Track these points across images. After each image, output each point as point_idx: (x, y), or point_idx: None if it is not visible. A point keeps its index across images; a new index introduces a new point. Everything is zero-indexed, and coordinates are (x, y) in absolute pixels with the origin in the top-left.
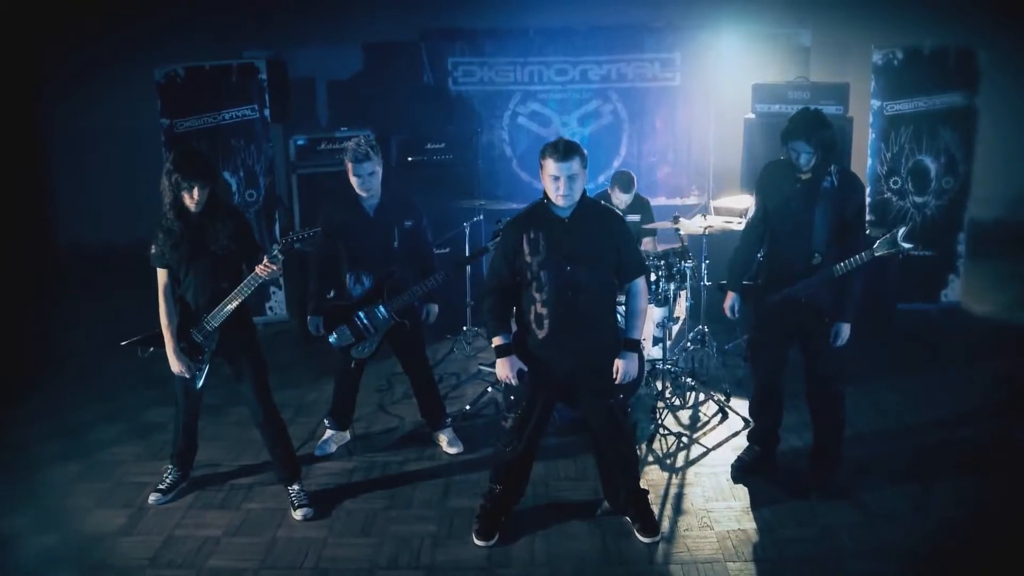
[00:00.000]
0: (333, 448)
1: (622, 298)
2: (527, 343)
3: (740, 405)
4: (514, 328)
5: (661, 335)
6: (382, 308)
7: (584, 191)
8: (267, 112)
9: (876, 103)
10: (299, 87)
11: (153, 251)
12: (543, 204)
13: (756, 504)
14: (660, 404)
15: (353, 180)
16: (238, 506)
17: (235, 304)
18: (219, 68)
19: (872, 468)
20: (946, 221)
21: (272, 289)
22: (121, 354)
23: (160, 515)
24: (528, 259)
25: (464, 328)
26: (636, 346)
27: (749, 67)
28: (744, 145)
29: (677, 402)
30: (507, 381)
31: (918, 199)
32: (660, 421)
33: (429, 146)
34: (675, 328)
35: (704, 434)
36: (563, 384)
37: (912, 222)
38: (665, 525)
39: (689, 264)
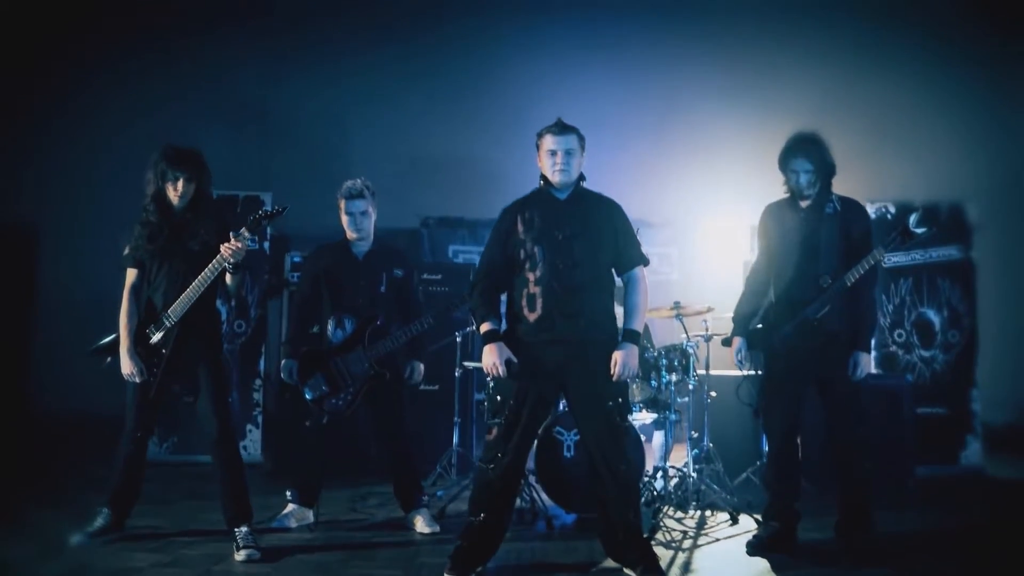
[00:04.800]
0: (292, 524)
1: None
2: (517, 332)
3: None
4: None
5: (663, 464)
6: (361, 354)
7: (582, 175)
8: (267, 245)
9: None
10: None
11: (126, 251)
12: (540, 188)
13: (779, 570)
14: (661, 510)
15: (344, 219)
16: (173, 552)
17: (198, 293)
18: (225, 198)
19: (911, 542)
20: (956, 376)
21: (249, 427)
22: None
23: (78, 551)
24: (522, 236)
25: (451, 447)
26: (636, 337)
27: (742, 253)
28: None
29: (679, 514)
30: (494, 372)
31: (924, 353)
32: (660, 520)
33: (425, 276)
34: (679, 426)
35: (713, 529)
36: (554, 381)
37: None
38: None
39: (693, 344)
